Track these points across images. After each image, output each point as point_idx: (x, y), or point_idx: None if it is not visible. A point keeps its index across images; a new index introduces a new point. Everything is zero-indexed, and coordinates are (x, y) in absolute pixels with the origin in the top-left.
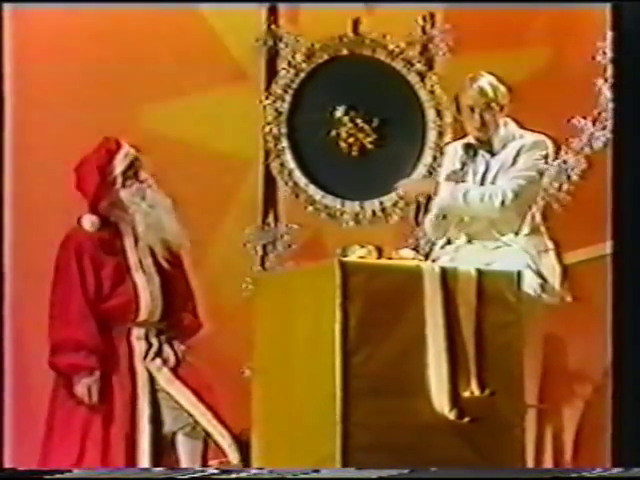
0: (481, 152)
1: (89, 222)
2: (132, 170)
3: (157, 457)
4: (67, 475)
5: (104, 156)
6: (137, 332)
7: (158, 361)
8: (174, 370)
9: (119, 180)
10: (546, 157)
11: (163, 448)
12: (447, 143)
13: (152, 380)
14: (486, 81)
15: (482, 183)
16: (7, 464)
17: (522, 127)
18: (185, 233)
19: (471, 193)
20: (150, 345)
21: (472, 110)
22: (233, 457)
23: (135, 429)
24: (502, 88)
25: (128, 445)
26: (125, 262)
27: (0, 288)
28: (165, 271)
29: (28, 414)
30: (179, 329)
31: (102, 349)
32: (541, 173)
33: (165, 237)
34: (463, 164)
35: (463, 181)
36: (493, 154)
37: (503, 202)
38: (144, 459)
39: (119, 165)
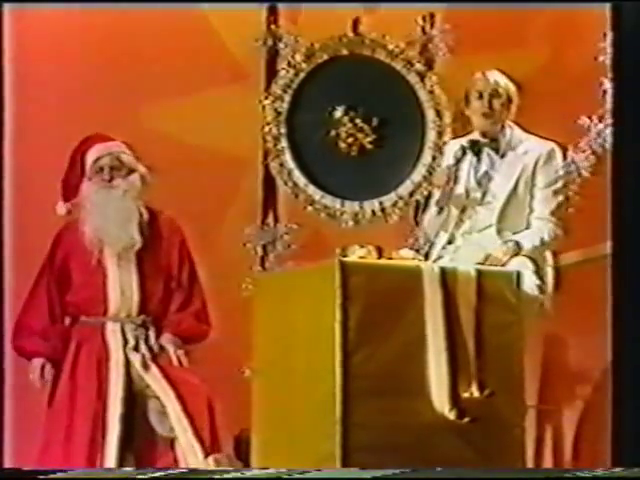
0: (486, 150)
1: (60, 208)
2: (97, 165)
3: (152, 458)
4: (68, 475)
5: (77, 149)
6: (112, 326)
7: (139, 358)
8: (163, 371)
9: (87, 174)
10: (560, 163)
11: (159, 450)
12: (445, 142)
13: (129, 379)
14: (497, 74)
15: (488, 183)
16: (7, 464)
17: (524, 130)
18: (128, 242)
19: (549, 236)
20: (126, 341)
21: (480, 96)
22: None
23: (105, 428)
24: (512, 85)
25: (93, 444)
26: (101, 255)
27: (0, 287)
28: (152, 269)
29: (28, 414)
30: (175, 331)
31: (56, 338)
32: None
33: (106, 240)
34: (457, 160)
35: (456, 177)
36: (498, 157)
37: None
38: (111, 459)
39: (89, 160)
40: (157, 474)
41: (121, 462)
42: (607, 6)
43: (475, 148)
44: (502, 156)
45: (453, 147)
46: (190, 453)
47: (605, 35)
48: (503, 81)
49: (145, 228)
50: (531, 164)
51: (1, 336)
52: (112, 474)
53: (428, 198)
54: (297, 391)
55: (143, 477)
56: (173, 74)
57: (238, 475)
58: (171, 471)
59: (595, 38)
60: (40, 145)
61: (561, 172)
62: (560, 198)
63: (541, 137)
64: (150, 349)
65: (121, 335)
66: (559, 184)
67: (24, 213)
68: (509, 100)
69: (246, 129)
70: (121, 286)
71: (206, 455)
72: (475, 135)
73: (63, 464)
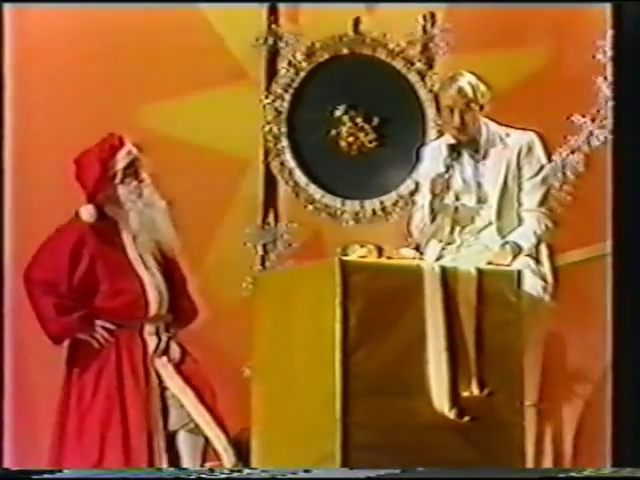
0: (466, 153)
1: (87, 213)
2: (132, 168)
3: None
4: (68, 475)
5: (107, 150)
6: (149, 328)
7: (164, 357)
8: (177, 367)
9: (119, 176)
10: (541, 153)
11: (168, 446)
12: (420, 146)
13: (159, 376)
14: (466, 81)
15: (477, 184)
16: (7, 464)
17: (520, 128)
18: (178, 236)
19: (541, 229)
20: (160, 340)
21: (451, 111)
22: (228, 461)
23: (153, 427)
24: (482, 87)
25: (149, 444)
26: (126, 258)
27: (0, 287)
28: (163, 265)
29: (28, 414)
30: (178, 318)
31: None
32: (547, 172)
33: (157, 238)
34: (448, 167)
35: (448, 185)
36: (480, 156)
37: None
38: (162, 457)
39: (121, 161)
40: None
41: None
42: (607, 6)
43: (455, 154)
44: (484, 155)
45: (430, 151)
46: (218, 444)
47: (604, 34)
48: (472, 91)
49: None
50: (514, 157)
51: (1, 336)
52: (155, 474)
53: (412, 207)
54: (297, 390)
55: (188, 477)
56: (174, 74)
57: (279, 475)
58: (216, 472)
59: (594, 37)
60: (40, 144)
61: (544, 161)
62: (545, 187)
63: (519, 129)
64: (178, 347)
65: (156, 335)
66: (543, 173)
67: (24, 214)
68: (481, 107)
69: (247, 128)
70: (157, 287)
71: (231, 445)
72: (449, 138)
73: (125, 465)
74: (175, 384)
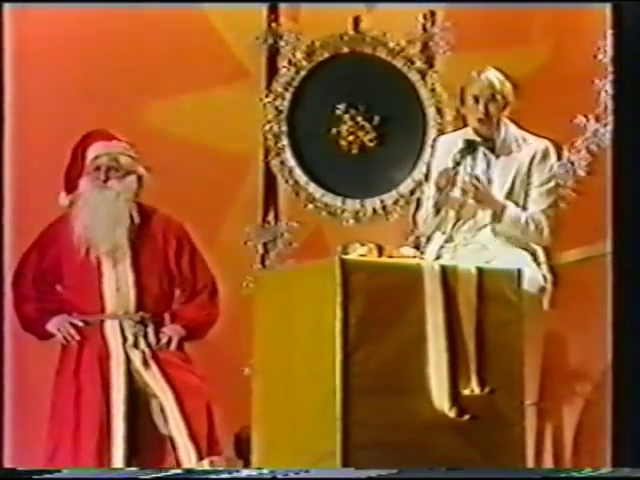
0: (482, 149)
1: (62, 198)
2: (95, 164)
3: (158, 457)
4: (69, 475)
5: (80, 142)
6: (110, 324)
7: (139, 355)
8: (162, 370)
9: (86, 169)
10: (554, 163)
11: (164, 448)
12: (437, 136)
13: (131, 376)
14: (493, 74)
15: (487, 183)
16: (7, 464)
17: (521, 128)
18: (114, 245)
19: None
20: (125, 339)
21: (477, 100)
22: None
23: (109, 427)
24: (508, 85)
25: (100, 443)
26: (95, 253)
27: (0, 287)
28: (148, 266)
29: (28, 414)
30: (178, 322)
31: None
32: (557, 181)
33: (92, 241)
34: (456, 163)
35: (454, 181)
36: (494, 155)
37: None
38: (118, 457)
39: (90, 155)
40: (159, 474)
41: (128, 461)
42: (607, 6)
43: (471, 149)
44: (497, 155)
45: (445, 143)
46: (185, 455)
47: (604, 33)
48: (499, 83)
49: (134, 232)
50: (526, 162)
51: (1, 334)
52: (113, 474)
53: (420, 197)
54: (297, 389)
55: (145, 477)
56: (174, 73)
57: (231, 476)
58: (170, 471)
59: (595, 37)
60: (41, 145)
61: (555, 171)
62: (553, 197)
63: (536, 135)
64: (149, 346)
65: (120, 333)
66: (552, 183)
67: (24, 214)
68: (505, 102)
69: (247, 127)
70: (117, 283)
71: (200, 458)
72: (469, 132)
73: (73, 464)
74: (158, 387)
